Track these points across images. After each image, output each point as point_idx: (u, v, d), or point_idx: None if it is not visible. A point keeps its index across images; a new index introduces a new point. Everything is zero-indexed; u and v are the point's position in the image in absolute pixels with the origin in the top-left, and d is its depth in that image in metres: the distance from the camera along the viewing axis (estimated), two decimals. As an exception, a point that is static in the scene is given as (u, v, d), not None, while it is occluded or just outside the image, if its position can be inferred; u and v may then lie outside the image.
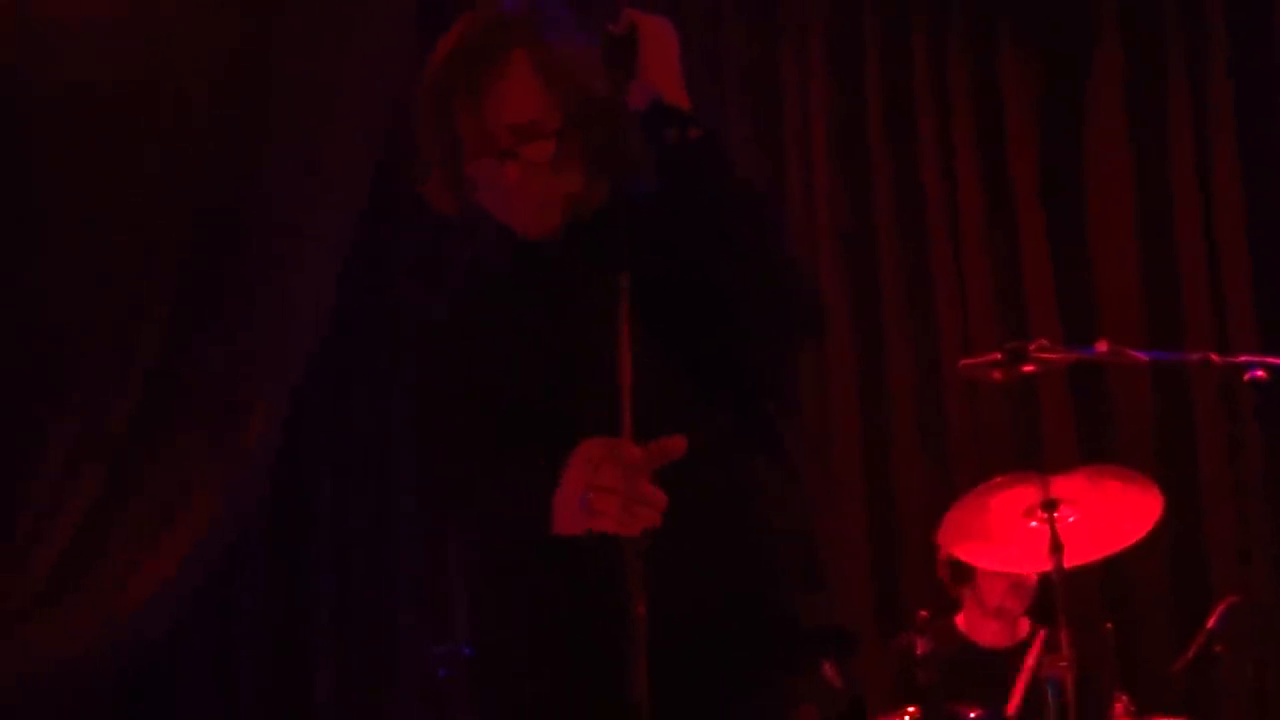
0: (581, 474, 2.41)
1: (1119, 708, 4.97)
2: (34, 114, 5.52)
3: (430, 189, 2.62)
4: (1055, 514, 4.90)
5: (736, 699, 2.50)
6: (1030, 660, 5.27)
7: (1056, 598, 4.83)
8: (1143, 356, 4.97)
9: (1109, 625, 5.16)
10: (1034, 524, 4.97)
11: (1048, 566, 4.89)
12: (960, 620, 5.64)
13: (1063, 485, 4.96)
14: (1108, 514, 5.04)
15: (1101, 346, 4.88)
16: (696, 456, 2.43)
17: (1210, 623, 5.02)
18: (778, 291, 2.52)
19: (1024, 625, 5.56)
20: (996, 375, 4.87)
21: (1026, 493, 4.97)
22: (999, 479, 5.05)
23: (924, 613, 5.09)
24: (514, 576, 2.63)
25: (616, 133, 2.54)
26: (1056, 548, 4.84)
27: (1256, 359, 4.62)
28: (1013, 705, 5.15)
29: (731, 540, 2.53)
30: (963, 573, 5.55)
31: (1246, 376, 4.53)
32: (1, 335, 5.44)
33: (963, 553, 5.33)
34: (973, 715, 4.82)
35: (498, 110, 2.53)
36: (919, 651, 4.93)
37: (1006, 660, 5.42)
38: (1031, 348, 4.85)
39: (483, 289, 2.71)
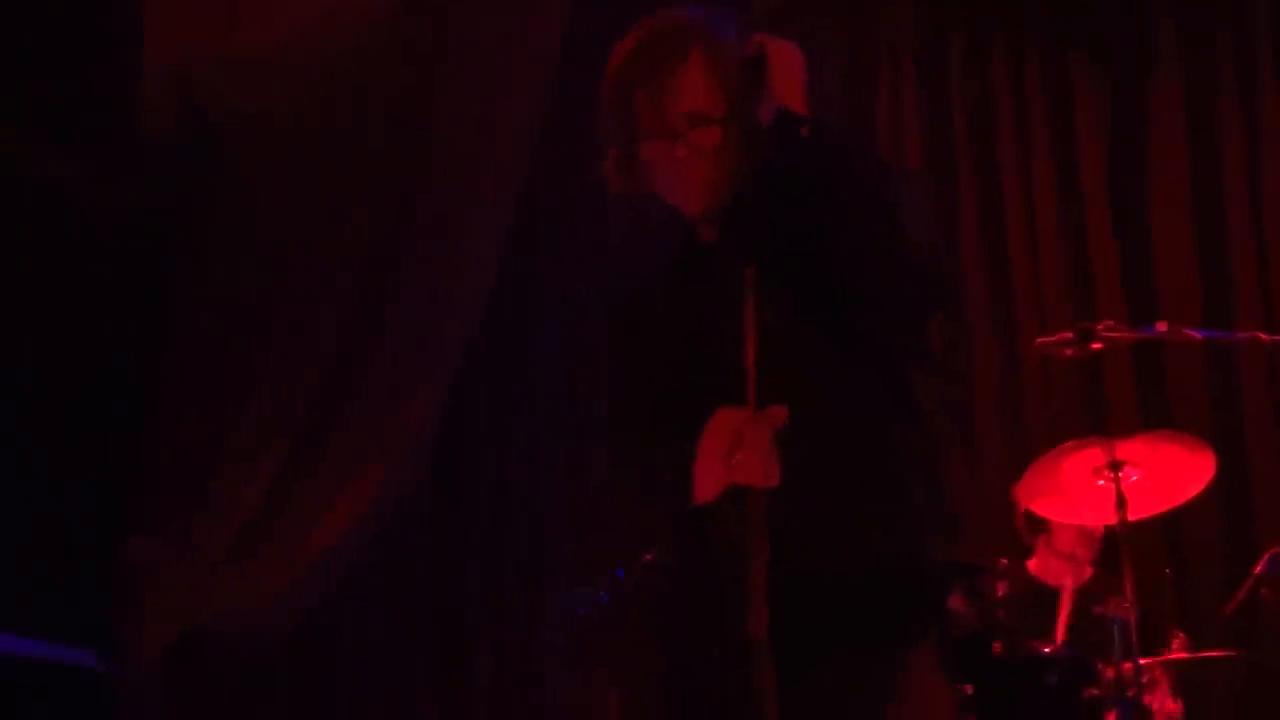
0: (720, 439, 2.49)
1: (1176, 644, 5.01)
2: (232, 133, 5.67)
3: (606, 168, 2.67)
4: (1120, 474, 4.91)
5: (865, 637, 2.54)
6: (1066, 599, 5.20)
7: (1121, 547, 4.83)
8: (1198, 335, 5.08)
9: (1168, 572, 5.27)
10: (1101, 482, 4.98)
11: (1113, 520, 4.89)
12: (1032, 565, 5.62)
13: (1127, 448, 4.97)
14: (1167, 473, 5.07)
15: (1162, 326, 5.02)
16: (823, 419, 2.52)
17: (1257, 569, 5.00)
18: (897, 270, 2.53)
19: (1088, 571, 5.50)
20: (1069, 352, 4.92)
21: (1094, 455, 4.98)
22: (1070, 443, 5.07)
23: (1004, 560, 5.04)
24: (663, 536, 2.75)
25: (758, 131, 2.57)
26: (1121, 503, 4.86)
27: (1301, 337, 4.62)
28: (1060, 636, 5.09)
29: (857, 492, 2.55)
30: (1037, 523, 5.55)
31: (1291, 353, 4.54)
32: (202, 328, 5.57)
33: (1039, 507, 5.34)
34: (1047, 650, 4.79)
35: (675, 98, 2.59)
36: (1000, 594, 4.85)
37: (1075, 602, 5.30)
38: (1100, 328, 4.90)
39: (644, 277, 2.79)
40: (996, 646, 4.70)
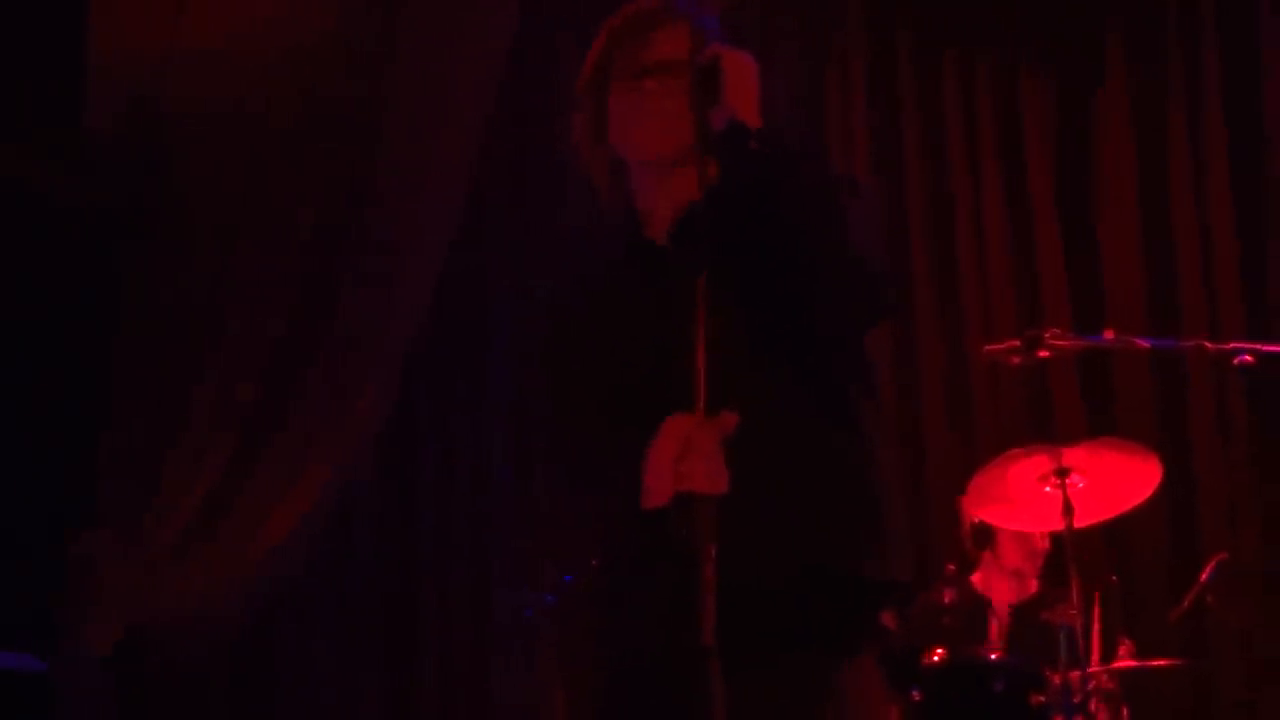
0: (670, 444, 2.41)
1: (1122, 651, 4.94)
2: (180, 128, 5.55)
3: (573, 122, 2.69)
4: (1066, 480, 4.87)
5: (802, 643, 2.49)
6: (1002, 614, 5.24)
7: (1067, 554, 4.79)
8: (1145, 343, 4.99)
9: (1114, 579, 5.16)
10: (1048, 489, 4.93)
11: (1060, 527, 4.85)
12: (977, 579, 5.53)
13: (1073, 455, 4.92)
14: (1113, 481, 5.00)
15: (1109, 334, 4.93)
16: (769, 429, 2.45)
17: (1202, 577, 4.99)
18: (840, 280, 2.48)
19: (1033, 584, 5.47)
20: (1016, 359, 4.88)
21: (1041, 462, 4.93)
22: (1017, 450, 5.01)
23: (950, 566, 5.04)
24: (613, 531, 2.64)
25: (713, 139, 2.51)
26: (1068, 510, 4.82)
27: (1244, 346, 4.64)
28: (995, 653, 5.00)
29: (799, 502, 2.49)
30: (984, 539, 5.49)
31: (1235, 361, 4.56)
32: (150, 325, 5.47)
33: (986, 514, 5.27)
34: (993, 655, 4.76)
35: (651, 50, 2.62)
36: (945, 600, 4.88)
37: (1017, 614, 5.36)
38: (1047, 335, 4.86)
39: (591, 278, 2.72)
40: (941, 653, 4.63)
